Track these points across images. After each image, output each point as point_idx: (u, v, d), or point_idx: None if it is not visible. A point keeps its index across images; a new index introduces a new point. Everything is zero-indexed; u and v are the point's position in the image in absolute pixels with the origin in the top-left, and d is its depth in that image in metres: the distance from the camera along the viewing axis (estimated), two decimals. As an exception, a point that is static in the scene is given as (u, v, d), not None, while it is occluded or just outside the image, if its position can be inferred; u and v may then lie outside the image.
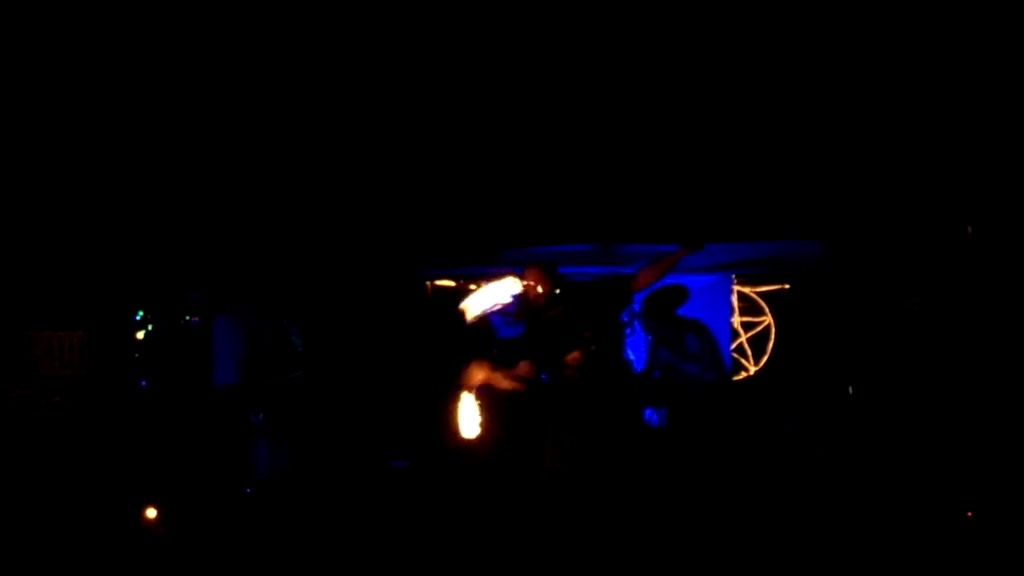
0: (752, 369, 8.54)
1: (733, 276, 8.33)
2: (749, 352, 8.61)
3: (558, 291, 4.92)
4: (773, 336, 8.55)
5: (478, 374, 4.94)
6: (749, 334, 8.62)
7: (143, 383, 7.97)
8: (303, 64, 6.74)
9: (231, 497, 6.84)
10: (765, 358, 8.55)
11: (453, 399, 4.98)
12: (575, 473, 4.83)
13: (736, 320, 8.58)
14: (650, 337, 7.35)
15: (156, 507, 6.22)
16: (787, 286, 8.59)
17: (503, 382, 4.95)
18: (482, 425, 4.89)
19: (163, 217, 7.71)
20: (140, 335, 8.37)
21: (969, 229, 6.64)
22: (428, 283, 9.31)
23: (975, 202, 6.65)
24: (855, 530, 5.76)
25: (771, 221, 6.94)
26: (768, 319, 8.60)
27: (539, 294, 4.89)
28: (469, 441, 4.95)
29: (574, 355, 4.82)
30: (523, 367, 4.92)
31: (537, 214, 7.40)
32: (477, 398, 4.92)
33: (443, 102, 7.04)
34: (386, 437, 7.75)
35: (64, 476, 6.70)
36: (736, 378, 8.33)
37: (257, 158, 7.50)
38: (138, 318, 8.39)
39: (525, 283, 4.92)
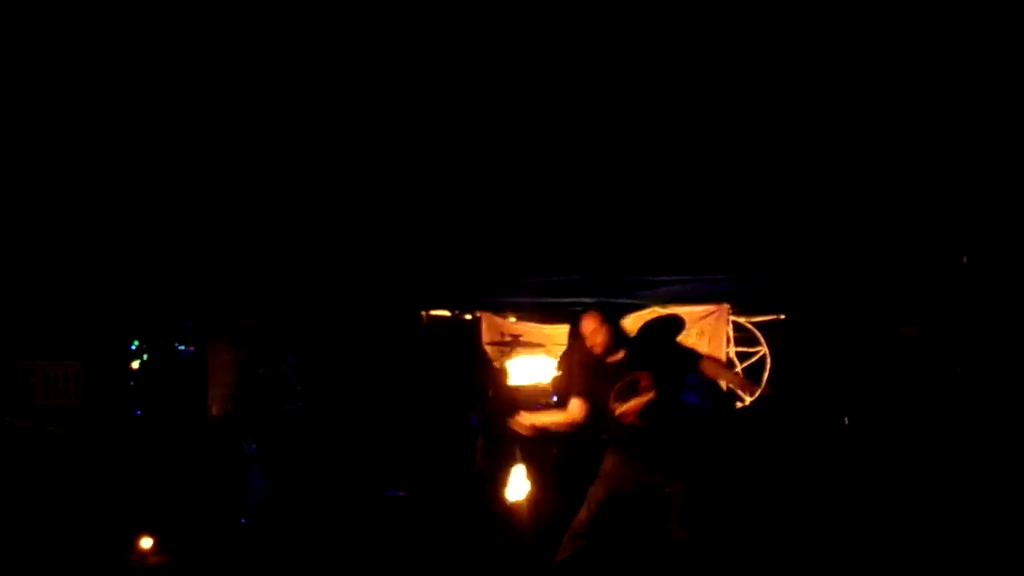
0: (748, 399, 8.54)
1: (729, 306, 8.36)
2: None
3: (616, 338, 4.81)
4: (769, 366, 8.56)
5: (528, 421, 4.90)
6: (745, 364, 8.63)
7: (138, 412, 7.93)
8: (301, 96, 6.78)
9: (226, 526, 6.79)
10: (761, 388, 8.54)
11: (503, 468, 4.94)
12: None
13: (732, 350, 8.59)
14: None
15: (151, 536, 6.18)
16: (783, 316, 8.61)
17: (557, 422, 4.92)
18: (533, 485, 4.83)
19: (159, 247, 7.72)
20: (135, 364, 8.35)
21: (964, 260, 6.69)
22: (423, 313, 9.34)
23: (970, 233, 6.70)
24: (853, 558, 5.75)
25: (767, 252, 6.97)
26: (764, 349, 8.62)
27: (597, 342, 4.78)
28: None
29: (631, 404, 4.71)
30: (576, 405, 4.83)
31: (531, 245, 7.44)
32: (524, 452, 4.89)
33: (438, 136, 7.08)
34: (381, 467, 7.73)
35: (59, 506, 6.65)
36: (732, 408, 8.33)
37: (253, 190, 7.52)
38: (133, 347, 8.38)
39: (583, 329, 4.83)
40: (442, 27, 5.89)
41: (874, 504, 6.65)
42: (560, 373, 5.26)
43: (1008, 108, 6.04)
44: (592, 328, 4.74)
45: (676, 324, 7.10)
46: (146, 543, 6.13)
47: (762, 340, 8.63)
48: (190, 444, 7.39)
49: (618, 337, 4.80)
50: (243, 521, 6.94)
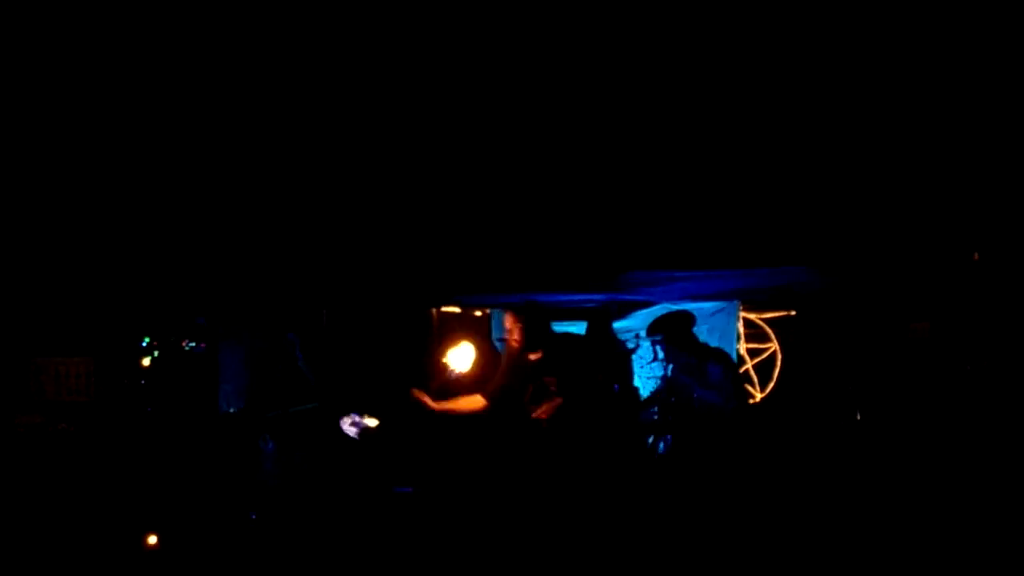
0: (759, 395, 8.52)
1: (739, 303, 8.33)
2: (755, 379, 8.59)
3: (533, 337, 4.79)
4: (779, 362, 8.53)
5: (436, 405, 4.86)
6: (755, 360, 8.60)
7: (149, 409, 7.96)
8: (310, 97, 6.80)
9: (235, 522, 6.82)
10: (771, 384, 8.53)
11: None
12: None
13: (742, 347, 8.57)
14: (671, 365, 7.20)
15: (161, 533, 6.21)
16: (793, 312, 8.58)
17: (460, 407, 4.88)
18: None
19: (170, 244, 7.75)
20: (146, 361, 8.37)
21: (975, 256, 6.65)
22: (434, 309, 9.33)
23: (981, 229, 6.66)
24: (864, 556, 5.73)
25: (778, 248, 6.95)
26: (774, 345, 8.59)
27: (513, 338, 4.78)
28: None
29: (543, 408, 4.70)
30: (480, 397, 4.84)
31: (540, 241, 7.42)
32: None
33: (447, 135, 7.08)
34: (390, 463, 7.73)
35: (70, 503, 6.69)
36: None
37: (265, 187, 7.54)
38: (144, 344, 8.40)
39: (504, 323, 4.85)
40: (446, 31, 5.91)
41: (886, 500, 6.63)
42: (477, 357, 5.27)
43: (1018, 104, 6.01)
44: (509, 324, 4.78)
45: (687, 320, 7.04)
46: (156, 539, 6.16)
47: (773, 336, 8.60)
48: (200, 441, 7.42)
49: (538, 337, 4.77)
50: (253, 516, 6.97)
